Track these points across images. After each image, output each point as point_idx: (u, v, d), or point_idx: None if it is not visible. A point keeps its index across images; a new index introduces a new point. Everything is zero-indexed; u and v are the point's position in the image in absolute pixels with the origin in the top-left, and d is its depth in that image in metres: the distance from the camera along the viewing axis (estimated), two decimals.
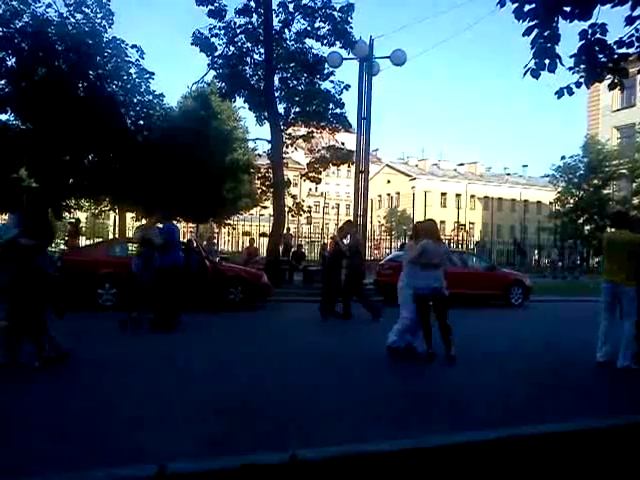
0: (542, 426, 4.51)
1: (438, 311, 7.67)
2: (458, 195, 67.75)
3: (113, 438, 4.11)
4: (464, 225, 41.77)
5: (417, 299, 7.70)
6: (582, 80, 6.68)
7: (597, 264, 31.15)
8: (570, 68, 6.65)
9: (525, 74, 6.57)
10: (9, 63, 19.17)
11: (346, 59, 19.83)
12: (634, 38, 6.63)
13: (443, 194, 71.08)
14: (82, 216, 29.34)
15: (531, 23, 6.40)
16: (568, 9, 6.20)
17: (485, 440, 4.11)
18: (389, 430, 4.43)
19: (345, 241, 12.54)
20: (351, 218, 17.77)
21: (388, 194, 73.69)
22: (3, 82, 19.47)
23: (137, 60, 20.70)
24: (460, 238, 36.25)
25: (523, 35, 6.53)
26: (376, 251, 33.00)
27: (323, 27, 20.19)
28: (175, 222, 27.65)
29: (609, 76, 6.77)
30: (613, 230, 8.09)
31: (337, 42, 20.13)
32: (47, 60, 19.09)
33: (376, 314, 11.71)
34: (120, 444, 3.96)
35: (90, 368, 6.48)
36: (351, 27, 20.05)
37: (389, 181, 72.65)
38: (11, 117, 20.85)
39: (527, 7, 6.27)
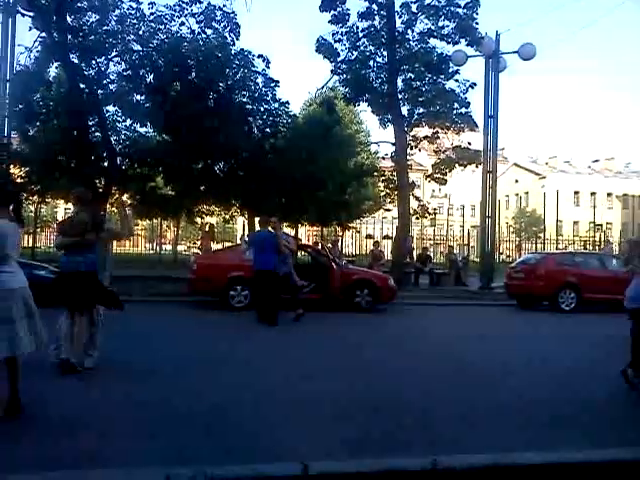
0: None
1: None
2: (593, 193, 63.77)
3: (249, 436, 4.20)
4: (601, 225, 39.00)
5: None
6: None
7: None
8: None
9: None
10: (148, 80, 20.50)
11: (471, 57, 19.37)
12: None
13: (576, 193, 67.40)
14: (212, 221, 30.76)
15: None
16: None
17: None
18: None
19: None
20: (477, 219, 17.25)
21: (516, 194, 70.89)
22: (143, 98, 20.84)
23: (263, 70, 21.40)
24: (597, 240, 33.94)
25: None
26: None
27: (447, 25, 19.87)
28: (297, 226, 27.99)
29: None
30: None
31: (462, 40, 19.77)
32: (181, 75, 20.20)
33: None
34: (258, 442, 4.04)
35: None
36: (477, 23, 19.61)
37: (517, 180, 69.95)
38: (149, 129, 22.40)
39: None
